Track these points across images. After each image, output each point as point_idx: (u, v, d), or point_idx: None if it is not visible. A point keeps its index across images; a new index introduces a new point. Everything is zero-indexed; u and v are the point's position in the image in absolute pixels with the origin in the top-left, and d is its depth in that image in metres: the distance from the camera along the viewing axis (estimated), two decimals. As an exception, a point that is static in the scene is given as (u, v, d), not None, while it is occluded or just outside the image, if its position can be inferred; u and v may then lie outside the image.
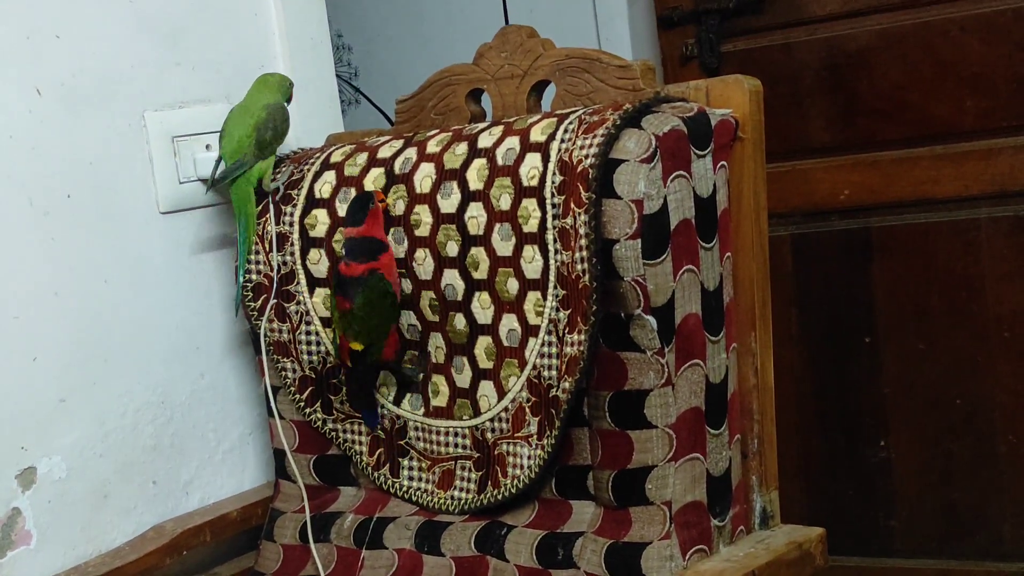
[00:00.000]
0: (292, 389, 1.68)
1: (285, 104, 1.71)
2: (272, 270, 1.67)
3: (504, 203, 1.49)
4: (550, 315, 1.46)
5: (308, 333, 1.66)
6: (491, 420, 1.54)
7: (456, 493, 1.58)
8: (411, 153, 1.60)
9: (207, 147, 1.77)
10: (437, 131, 1.63)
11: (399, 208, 1.58)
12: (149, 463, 1.70)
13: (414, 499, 1.61)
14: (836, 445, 2.55)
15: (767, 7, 2.50)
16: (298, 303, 1.66)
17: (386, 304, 1.55)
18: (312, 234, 1.65)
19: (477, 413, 1.55)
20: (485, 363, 1.54)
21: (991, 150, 2.35)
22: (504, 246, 1.49)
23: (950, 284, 2.42)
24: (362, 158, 1.65)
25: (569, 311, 1.43)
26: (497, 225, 1.50)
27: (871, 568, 2.52)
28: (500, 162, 1.50)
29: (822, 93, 2.48)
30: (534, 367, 1.48)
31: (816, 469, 2.56)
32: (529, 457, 1.49)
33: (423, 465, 1.61)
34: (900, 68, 2.40)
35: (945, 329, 2.43)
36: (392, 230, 1.59)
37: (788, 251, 2.53)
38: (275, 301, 1.67)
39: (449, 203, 1.54)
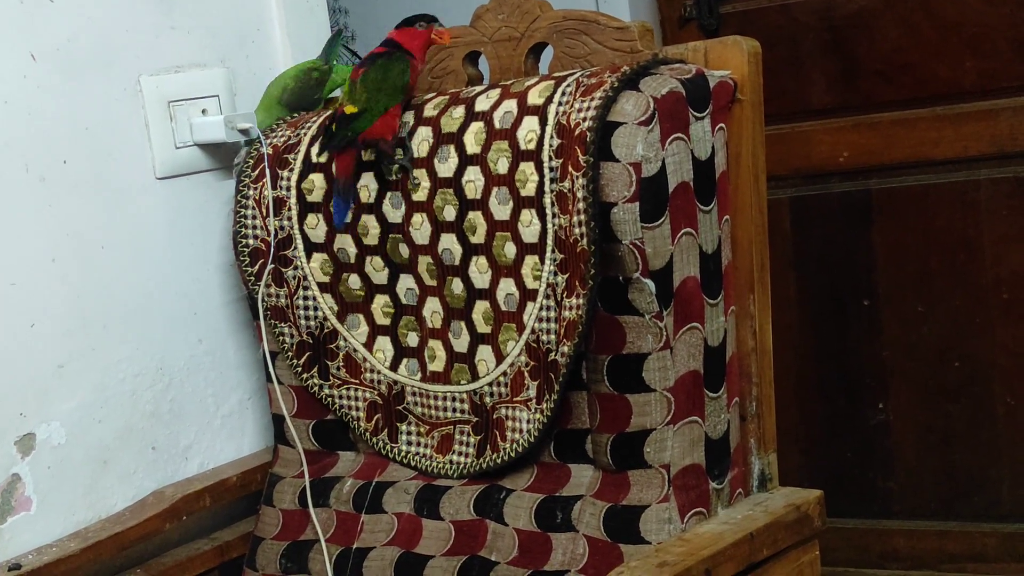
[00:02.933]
0: (290, 354, 1.68)
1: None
2: (269, 235, 1.67)
3: (502, 167, 1.48)
4: (548, 279, 1.46)
5: (306, 298, 1.66)
6: (490, 384, 1.54)
7: (455, 457, 1.58)
8: (408, 117, 1.59)
9: (203, 112, 1.76)
10: (434, 94, 1.62)
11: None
12: (148, 428, 1.70)
13: (413, 464, 1.62)
14: (835, 407, 2.55)
15: (766, -33, 2.48)
16: (295, 268, 1.66)
17: (396, 83, 1.54)
18: (309, 199, 1.64)
19: (475, 378, 1.55)
20: (483, 327, 1.54)
21: (991, 111, 2.34)
22: (502, 210, 1.49)
23: (949, 246, 2.41)
24: (359, 122, 1.64)
25: (567, 275, 1.43)
26: (495, 189, 1.49)
27: (870, 530, 2.53)
28: (498, 125, 1.50)
29: (821, 54, 2.46)
30: (532, 331, 1.48)
31: (815, 431, 2.56)
32: (528, 421, 1.50)
33: (421, 430, 1.61)
34: (900, 29, 2.39)
35: (944, 291, 2.42)
36: (389, 194, 1.58)
37: (787, 214, 2.52)
38: (272, 266, 1.67)
39: (446, 167, 1.53)
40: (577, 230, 1.40)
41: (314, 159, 1.64)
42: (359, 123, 1.54)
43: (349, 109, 1.55)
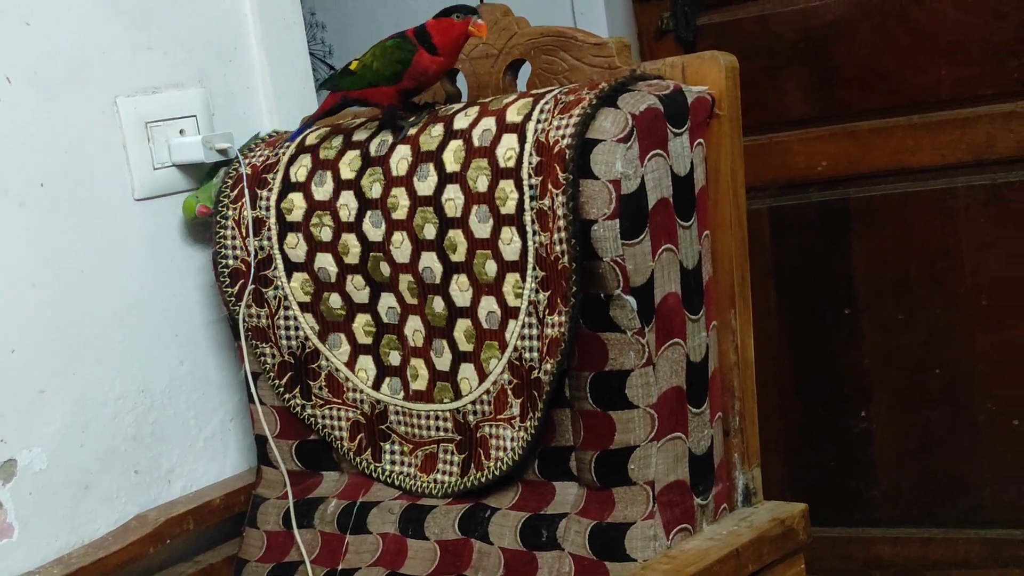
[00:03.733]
0: (272, 375, 1.67)
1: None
2: (249, 255, 1.66)
3: (481, 185, 1.48)
4: (529, 297, 1.46)
5: (286, 318, 1.66)
6: (473, 403, 1.53)
7: (439, 476, 1.57)
8: (387, 135, 1.59)
9: (181, 132, 1.75)
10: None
11: (375, 191, 1.57)
12: (130, 452, 1.70)
13: (397, 483, 1.61)
14: (816, 416, 2.56)
15: (742, -21, 2.49)
16: (276, 288, 1.66)
17: (387, 68, 1.55)
18: (289, 218, 1.64)
19: (458, 396, 1.55)
20: (465, 346, 1.53)
21: (968, 119, 2.36)
22: (482, 228, 1.49)
23: (928, 254, 2.42)
24: (337, 141, 1.64)
25: (549, 292, 1.43)
26: (474, 207, 1.49)
27: (854, 538, 2.54)
28: (476, 143, 1.50)
29: (798, 64, 2.47)
30: (515, 349, 1.48)
31: (797, 441, 2.57)
32: (512, 439, 1.49)
33: (405, 449, 1.61)
34: (876, 38, 2.40)
35: (924, 299, 2.43)
36: (369, 213, 1.58)
37: (766, 224, 2.53)
38: (253, 286, 1.66)
39: (426, 185, 1.53)
40: (558, 247, 1.40)
41: (292, 179, 1.64)
42: (347, 80, 1.60)
43: (354, 65, 1.59)
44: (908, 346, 2.46)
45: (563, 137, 1.41)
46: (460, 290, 1.52)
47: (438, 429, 1.58)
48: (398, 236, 1.56)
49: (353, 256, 1.60)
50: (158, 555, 1.67)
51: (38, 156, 1.61)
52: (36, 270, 1.60)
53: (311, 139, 1.67)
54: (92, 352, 1.66)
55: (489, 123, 1.50)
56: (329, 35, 3.13)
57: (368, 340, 1.62)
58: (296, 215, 1.63)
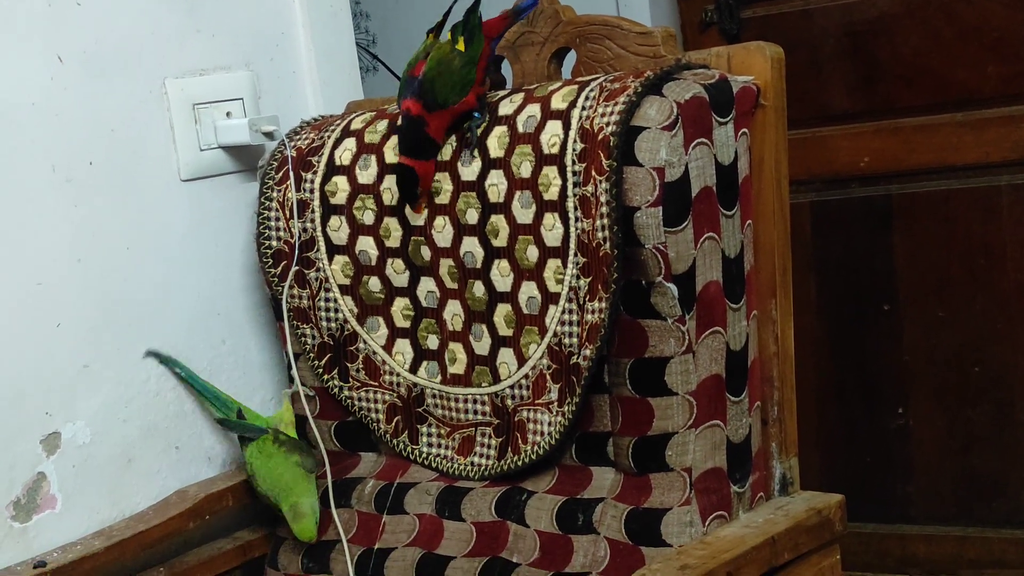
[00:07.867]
0: (311, 355, 1.69)
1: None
2: (292, 236, 1.68)
3: (525, 171, 1.49)
4: (570, 283, 1.46)
5: (327, 300, 1.67)
6: (511, 387, 1.54)
7: (476, 459, 1.58)
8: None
9: (227, 114, 1.77)
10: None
11: (420, 175, 1.58)
12: (172, 428, 1.72)
13: (434, 465, 1.62)
14: (855, 412, 2.55)
15: (787, -28, 2.49)
16: (317, 270, 1.67)
17: (458, 69, 1.52)
18: (332, 201, 1.65)
19: (496, 380, 1.56)
20: (504, 330, 1.54)
21: (1013, 116, 2.34)
22: (524, 214, 1.49)
23: (970, 251, 2.41)
24: (382, 125, 1.65)
25: (590, 279, 1.43)
26: (517, 193, 1.50)
27: (889, 534, 2.53)
28: (521, 130, 1.50)
29: (842, 59, 2.46)
30: (555, 334, 1.49)
31: (835, 436, 2.56)
32: (549, 424, 1.50)
33: (442, 432, 1.62)
34: (921, 34, 2.39)
35: (965, 296, 2.42)
36: (412, 197, 1.59)
37: (808, 218, 2.52)
38: (296, 268, 1.67)
39: (470, 171, 1.54)
40: (600, 234, 1.41)
41: (337, 162, 1.65)
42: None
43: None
44: (948, 343, 2.45)
45: (608, 124, 1.41)
46: (501, 275, 1.53)
47: (476, 413, 1.59)
48: (440, 220, 1.57)
49: (394, 240, 1.61)
50: (197, 530, 1.69)
51: (87, 135, 1.63)
52: (82, 246, 1.62)
53: (356, 123, 1.68)
54: (136, 328, 1.68)
55: (534, 110, 1.51)
56: (373, 24, 3.14)
57: (406, 324, 1.63)
58: (340, 198, 1.64)
